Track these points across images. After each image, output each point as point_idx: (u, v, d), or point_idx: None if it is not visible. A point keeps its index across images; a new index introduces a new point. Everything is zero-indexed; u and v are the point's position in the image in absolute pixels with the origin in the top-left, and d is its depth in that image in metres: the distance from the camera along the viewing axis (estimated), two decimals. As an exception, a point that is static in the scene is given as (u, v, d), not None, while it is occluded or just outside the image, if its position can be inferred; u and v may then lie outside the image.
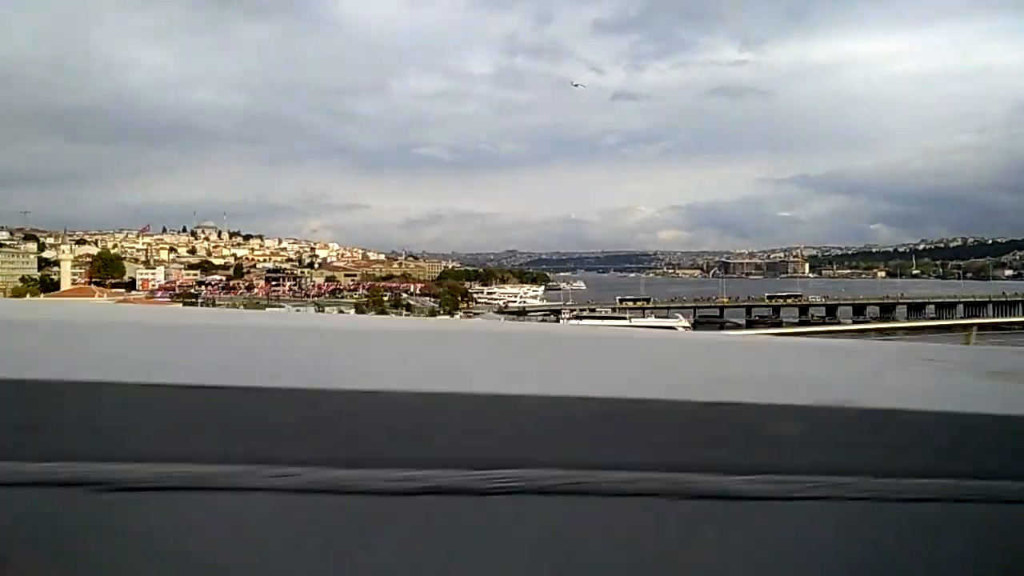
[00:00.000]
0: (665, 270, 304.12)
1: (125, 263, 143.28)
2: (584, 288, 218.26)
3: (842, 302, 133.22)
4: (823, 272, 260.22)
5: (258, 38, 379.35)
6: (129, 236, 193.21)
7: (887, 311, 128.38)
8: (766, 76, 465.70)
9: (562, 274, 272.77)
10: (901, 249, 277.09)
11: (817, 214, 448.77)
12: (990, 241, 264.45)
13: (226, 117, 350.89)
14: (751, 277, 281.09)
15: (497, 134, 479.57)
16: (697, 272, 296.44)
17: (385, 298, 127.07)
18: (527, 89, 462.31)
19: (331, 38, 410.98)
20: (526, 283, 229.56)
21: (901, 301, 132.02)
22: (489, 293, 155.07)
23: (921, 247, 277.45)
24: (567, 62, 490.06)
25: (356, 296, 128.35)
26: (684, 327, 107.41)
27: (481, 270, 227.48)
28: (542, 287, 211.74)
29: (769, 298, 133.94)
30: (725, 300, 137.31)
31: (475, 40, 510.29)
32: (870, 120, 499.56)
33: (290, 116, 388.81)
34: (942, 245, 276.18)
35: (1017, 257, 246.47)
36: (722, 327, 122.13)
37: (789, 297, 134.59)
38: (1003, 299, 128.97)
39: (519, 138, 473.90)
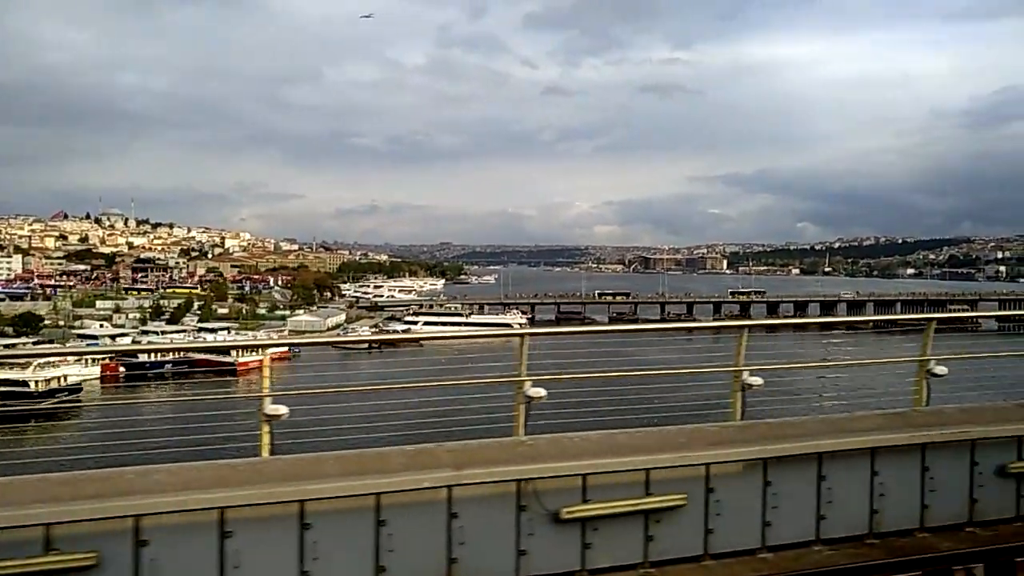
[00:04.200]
0: (590, 265, 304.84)
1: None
2: (492, 282, 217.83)
3: (698, 300, 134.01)
4: (739, 269, 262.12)
5: (187, 22, 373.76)
6: (15, 222, 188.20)
7: (745, 309, 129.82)
8: (699, 75, 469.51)
9: (475, 268, 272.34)
10: (818, 247, 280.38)
11: (746, 211, 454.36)
12: (900, 241, 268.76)
13: (154, 101, 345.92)
14: (671, 272, 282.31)
15: (433, 125, 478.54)
16: (619, 267, 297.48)
17: (232, 291, 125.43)
18: (462, 81, 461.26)
19: (263, 24, 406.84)
20: (434, 276, 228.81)
21: (757, 301, 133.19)
22: (362, 287, 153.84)
23: (837, 245, 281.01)
24: (501, 56, 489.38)
25: (192, 289, 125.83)
26: (519, 323, 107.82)
27: (386, 263, 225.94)
28: (441, 281, 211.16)
29: (599, 295, 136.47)
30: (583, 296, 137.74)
31: (409, 31, 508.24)
32: (798, 121, 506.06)
33: (222, 102, 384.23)
34: (856, 244, 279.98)
35: (920, 256, 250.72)
36: (582, 322, 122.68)
37: (619, 295, 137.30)
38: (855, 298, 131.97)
39: (455, 130, 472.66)
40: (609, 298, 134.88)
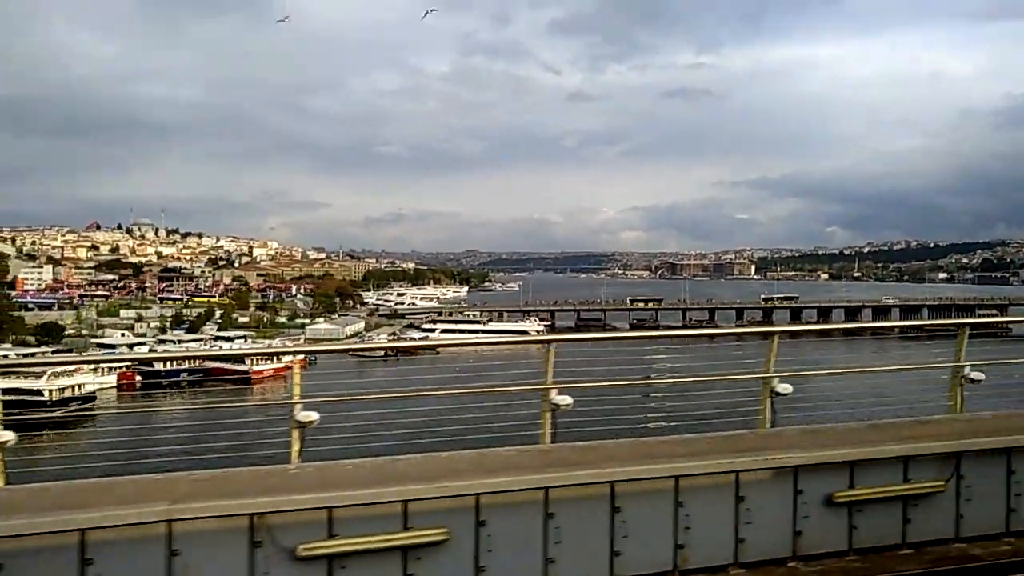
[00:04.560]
0: (616, 271, 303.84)
1: (12, 261, 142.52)
2: (516, 289, 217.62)
3: (719, 306, 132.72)
4: (768, 274, 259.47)
5: (212, 32, 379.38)
6: (49, 233, 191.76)
7: (768, 315, 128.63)
8: (723, 79, 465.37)
9: (500, 275, 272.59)
10: (847, 252, 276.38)
11: (775, 216, 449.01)
12: (932, 244, 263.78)
13: (181, 112, 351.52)
14: (697, 278, 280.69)
15: (457, 133, 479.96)
16: (646, 273, 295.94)
17: (256, 299, 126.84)
18: (486, 88, 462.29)
19: (287, 34, 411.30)
20: (458, 284, 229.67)
21: (779, 307, 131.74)
22: (385, 295, 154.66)
23: (867, 250, 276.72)
24: (525, 62, 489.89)
25: (212, 298, 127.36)
26: (537, 331, 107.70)
27: (411, 271, 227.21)
28: (465, 288, 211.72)
29: (632, 301, 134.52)
30: (607, 303, 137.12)
31: (433, 39, 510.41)
32: (824, 123, 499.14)
33: (248, 112, 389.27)
34: (886, 248, 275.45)
35: (953, 260, 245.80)
36: (603, 328, 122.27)
37: (650, 301, 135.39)
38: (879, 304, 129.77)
39: (480, 137, 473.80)
40: (641, 304, 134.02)
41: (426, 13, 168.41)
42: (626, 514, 6.09)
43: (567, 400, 6.76)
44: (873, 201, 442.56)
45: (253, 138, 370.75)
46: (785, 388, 7.38)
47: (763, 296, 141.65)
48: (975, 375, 7.94)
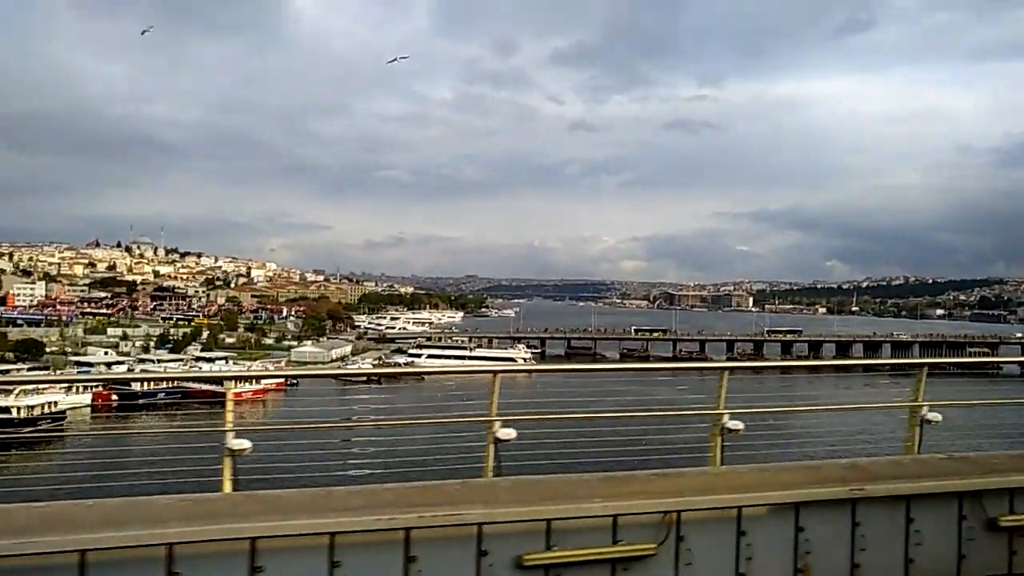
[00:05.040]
0: (615, 300, 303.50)
1: (7, 277, 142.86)
2: (512, 315, 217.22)
3: (709, 338, 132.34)
4: (766, 307, 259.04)
5: (217, 54, 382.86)
6: (48, 249, 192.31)
7: (759, 348, 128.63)
8: (724, 111, 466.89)
9: (499, 300, 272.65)
10: (845, 286, 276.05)
11: (774, 248, 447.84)
12: (930, 280, 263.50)
13: (185, 132, 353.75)
14: (695, 309, 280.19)
15: (459, 159, 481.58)
16: (644, 303, 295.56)
17: (244, 321, 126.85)
18: (489, 116, 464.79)
19: (291, 57, 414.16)
20: (456, 309, 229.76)
21: (771, 340, 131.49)
22: (379, 319, 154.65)
23: (865, 285, 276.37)
24: (528, 92, 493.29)
25: (197, 318, 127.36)
26: (524, 359, 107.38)
27: (407, 295, 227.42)
28: (460, 314, 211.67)
29: (636, 331, 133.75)
30: (598, 332, 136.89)
31: (436, 65, 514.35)
32: (825, 157, 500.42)
33: (251, 134, 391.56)
34: (885, 283, 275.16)
35: (951, 297, 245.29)
36: (593, 358, 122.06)
37: (656, 331, 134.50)
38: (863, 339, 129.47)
39: (481, 164, 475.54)
40: (647, 333, 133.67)
41: (394, 59, 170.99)
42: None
43: (511, 434, 6.63)
44: (873, 236, 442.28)
45: (256, 159, 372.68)
46: (736, 425, 7.25)
47: (767, 329, 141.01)
48: (932, 416, 7.80)
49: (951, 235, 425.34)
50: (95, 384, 63.88)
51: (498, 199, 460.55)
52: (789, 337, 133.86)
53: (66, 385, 58.84)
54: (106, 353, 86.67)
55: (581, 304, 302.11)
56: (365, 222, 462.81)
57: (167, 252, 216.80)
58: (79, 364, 73.01)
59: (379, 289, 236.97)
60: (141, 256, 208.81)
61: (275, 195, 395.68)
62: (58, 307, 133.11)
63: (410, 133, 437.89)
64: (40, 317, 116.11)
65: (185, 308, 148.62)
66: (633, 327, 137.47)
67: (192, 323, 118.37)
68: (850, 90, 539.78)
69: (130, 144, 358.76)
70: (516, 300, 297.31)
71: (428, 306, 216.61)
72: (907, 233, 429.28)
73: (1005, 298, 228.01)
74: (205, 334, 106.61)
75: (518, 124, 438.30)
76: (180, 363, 77.25)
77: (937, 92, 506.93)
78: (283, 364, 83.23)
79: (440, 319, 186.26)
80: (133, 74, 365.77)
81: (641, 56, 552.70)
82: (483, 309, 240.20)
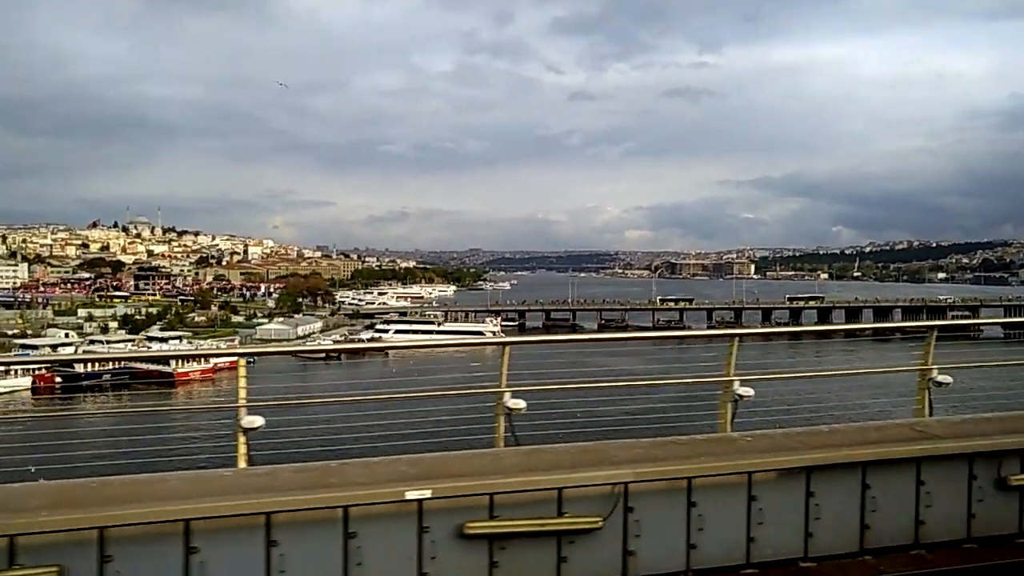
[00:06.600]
0: (617, 270, 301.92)
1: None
2: (507, 288, 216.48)
3: (689, 307, 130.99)
4: (767, 273, 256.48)
5: (210, 31, 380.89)
6: (43, 231, 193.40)
7: (739, 316, 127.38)
8: (726, 78, 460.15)
9: (501, 273, 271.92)
10: (848, 251, 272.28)
11: (779, 215, 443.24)
12: (934, 244, 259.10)
13: (183, 110, 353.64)
14: (696, 278, 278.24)
15: (460, 132, 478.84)
16: (646, 272, 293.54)
17: (237, 301, 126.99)
18: (489, 87, 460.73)
19: (286, 32, 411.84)
20: (450, 283, 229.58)
21: (750, 308, 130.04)
22: (367, 294, 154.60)
23: (868, 249, 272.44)
24: (527, 62, 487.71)
25: (153, 296, 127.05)
26: (492, 331, 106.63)
27: (401, 270, 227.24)
28: (452, 287, 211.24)
29: (662, 301, 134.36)
30: (577, 303, 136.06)
31: (434, 37, 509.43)
32: (828, 123, 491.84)
33: (249, 111, 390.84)
34: (888, 248, 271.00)
35: (953, 261, 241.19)
36: (572, 329, 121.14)
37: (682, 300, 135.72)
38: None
39: (483, 136, 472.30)
40: (672, 303, 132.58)
41: (280, 84, 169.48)
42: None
43: (522, 404, 6.72)
44: (880, 201, 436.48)
45: (256, 137, 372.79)
46: (746, 392, 7.21)
47: (788, 296, 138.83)
48: (943, 378, 7.83)
49: (959, 199, 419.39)
50: (37, 367, 64.04)
51: (501, 171, 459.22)
52: (813, 305, 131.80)
53: (1, 368, 59.03)
54: (66, 335, 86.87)
55: (582, 275, 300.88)
56: (368, 198, 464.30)
57: (164, 231, 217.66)
58: (24, 347, 73.31)
59: (381, 264, 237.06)
60: (138, 236, 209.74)
61: (277, 172, 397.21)
62: (40, 288, 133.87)
63: (410, 106, 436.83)
64: (11, 299, 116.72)
65: (169, 288, 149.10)
66: (659, 297, 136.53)
67: (149, 300, 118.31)
68: (853, 54, 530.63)
69: (127, 124, 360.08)
70: (520, 272, 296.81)
71: (422, 280, 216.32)
72: (915, 198, 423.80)
73: (1008, 260, 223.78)
74: (171, 313, 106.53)
75: (519, 95, 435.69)
76: (128, 344, 77.28)
77: (943, 55, 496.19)
78: (236, 342, 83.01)
79: (431, 293, 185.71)
80: (129, 53, 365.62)
81: (641, 23, 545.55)
82: (480, 282, 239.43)
